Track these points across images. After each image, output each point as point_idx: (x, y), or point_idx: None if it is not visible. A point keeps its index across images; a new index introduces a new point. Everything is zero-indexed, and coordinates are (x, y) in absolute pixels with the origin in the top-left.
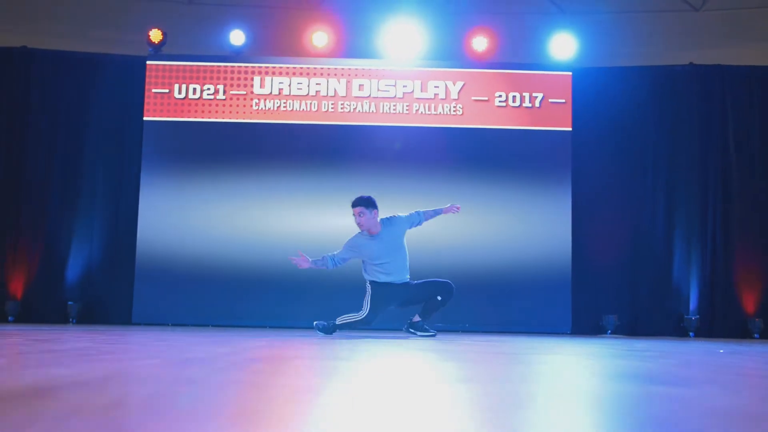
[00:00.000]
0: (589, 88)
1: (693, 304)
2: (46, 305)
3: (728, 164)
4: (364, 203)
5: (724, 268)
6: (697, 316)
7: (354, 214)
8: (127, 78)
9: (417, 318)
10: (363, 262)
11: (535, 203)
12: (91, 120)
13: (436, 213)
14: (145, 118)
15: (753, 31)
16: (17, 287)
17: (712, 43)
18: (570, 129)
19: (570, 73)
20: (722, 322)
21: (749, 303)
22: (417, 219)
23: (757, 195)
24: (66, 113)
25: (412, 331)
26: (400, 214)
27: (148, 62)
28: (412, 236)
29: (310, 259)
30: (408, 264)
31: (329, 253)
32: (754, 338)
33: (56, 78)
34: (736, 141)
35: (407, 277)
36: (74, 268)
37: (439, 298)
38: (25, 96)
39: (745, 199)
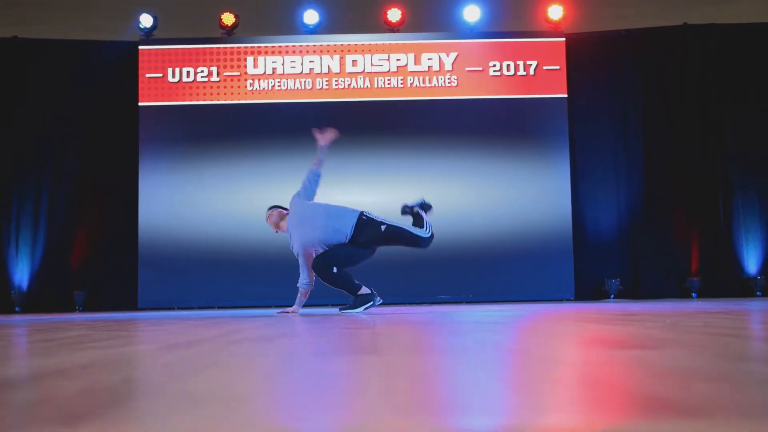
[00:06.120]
0: (583, 53)
1: (695, 265)
2: (52, 295)
3: (725, 123)
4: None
5: (725, 228)
6: (699, 277)
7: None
8: (119, 64)
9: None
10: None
11: (534, 171)
12: (86, 106)
13: (321, 152)
14: (140, 103)
15: None
16: (22, 278)
17: (706, 0)
18: (566, 95)
19: (563, 40)
20: (724, 281)
21: (750, 262)
22: (311, 179)
23: (756, 154)
24: (60, 101)
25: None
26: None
27: (140, 47)
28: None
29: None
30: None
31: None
32: (757, 296)
33: (49, 67)
34: (733, 100)
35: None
36: (78, 256)
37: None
38: (20, 86)
39: (744, 158)
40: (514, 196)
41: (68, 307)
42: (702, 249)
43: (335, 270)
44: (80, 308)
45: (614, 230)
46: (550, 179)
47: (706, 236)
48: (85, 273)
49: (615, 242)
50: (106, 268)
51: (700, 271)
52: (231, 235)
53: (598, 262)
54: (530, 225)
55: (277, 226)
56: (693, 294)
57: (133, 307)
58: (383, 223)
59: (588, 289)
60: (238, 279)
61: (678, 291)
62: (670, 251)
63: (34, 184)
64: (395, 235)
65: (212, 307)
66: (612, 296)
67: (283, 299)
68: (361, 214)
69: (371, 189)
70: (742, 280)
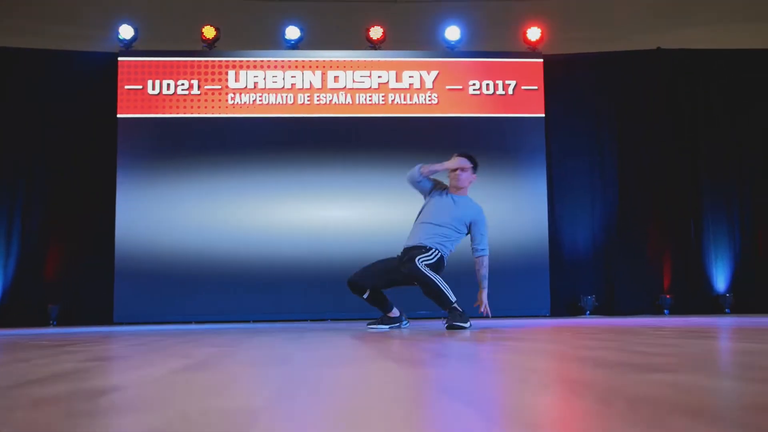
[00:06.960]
0: (561, 74)
1: (667, 282)
2: (26, 308)
3: (698, 145)
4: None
5: (696, 247)
6: (672, 294)
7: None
8: (98, 75)
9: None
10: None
11: (511, 189)
12: (62, 117)
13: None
14: (118, 115)
15: (715, 12)
16: None
17: (679, 25)
18: (543, 115)
19: (541, 60)
20: (695, 298)
21: (719, 280)
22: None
23: (725, 176)
24: (36, 111)
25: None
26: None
27: (119, 59)
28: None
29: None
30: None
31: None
32: (725, 313)
33: (25, 77)
34: (705, 123)
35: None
36: (52, 269)
37: None
38: None
39: (714, 179)
40: (492, 213)
41: (42, 321)
42: (674, 267)
43: (365, 296)
44: (54, 322)
45: (589, 247)
46: (527, 197)
47: (678, 254)
48: (59, 287)
49: (590, 259)
50: (81, 282)
51: (671, 288)
52: (210, 249)
53: (573, 279)
54: (507, 242)
55: (468, 181)
56: (665, 311)
57: (109, 321)
58: (417, 266)
59: (563, 305)
60: (216, 294)
61: (651, 307)
62: (643, 269)
63: (7, 195)
64: (418, 278)
65: (189, 322)
66: (587, 312)
67: (264, 314)
68: (424, 247)
69: (351, 204)
70: (712, 298)
